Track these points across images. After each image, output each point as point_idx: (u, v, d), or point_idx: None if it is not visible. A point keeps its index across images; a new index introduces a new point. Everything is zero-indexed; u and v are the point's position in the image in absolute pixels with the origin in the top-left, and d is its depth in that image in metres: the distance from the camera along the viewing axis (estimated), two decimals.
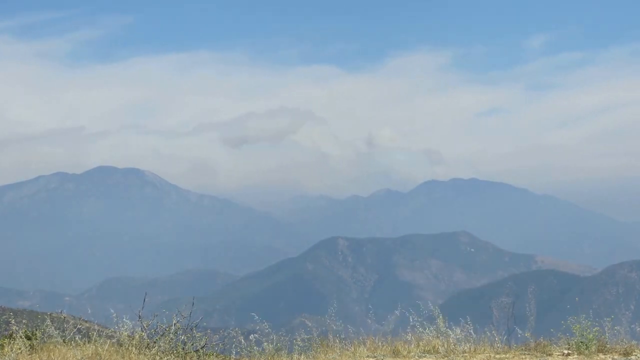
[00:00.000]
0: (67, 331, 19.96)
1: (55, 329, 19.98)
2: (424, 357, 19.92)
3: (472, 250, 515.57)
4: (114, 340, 18.96)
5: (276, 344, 20.15)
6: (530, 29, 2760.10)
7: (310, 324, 21.12)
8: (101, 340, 18.72)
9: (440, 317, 21.25)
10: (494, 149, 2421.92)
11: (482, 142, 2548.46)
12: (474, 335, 21.14)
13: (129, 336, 18.86)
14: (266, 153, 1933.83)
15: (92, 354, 17.95)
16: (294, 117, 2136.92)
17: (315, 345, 20.41)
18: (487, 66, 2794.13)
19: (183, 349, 18.96)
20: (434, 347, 20.58)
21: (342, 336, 21.10)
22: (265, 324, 21.33)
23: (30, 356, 18.12)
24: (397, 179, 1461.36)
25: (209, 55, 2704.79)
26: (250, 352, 20.06)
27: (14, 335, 19.46)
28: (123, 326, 19.22)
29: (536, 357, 19.86)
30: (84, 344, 18.98)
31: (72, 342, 19.37)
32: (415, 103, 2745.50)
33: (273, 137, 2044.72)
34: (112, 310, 20.95)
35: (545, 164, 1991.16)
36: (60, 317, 20.59)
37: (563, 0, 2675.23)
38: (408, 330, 21.48)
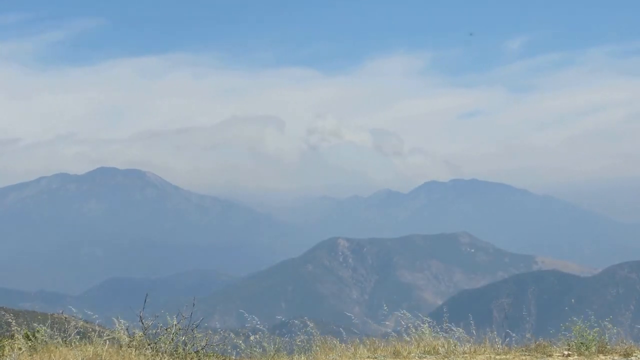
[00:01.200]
0: (68, 332, 19.98)
1: (56, 329, 20.00)
2: (424, 358, 19.94)
3: (472, 250, 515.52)
4: (114, 341, 18.98)
5: (277, 345, 20.17)
6: (508, 31, 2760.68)
7: (310, 325, 21.11)
8: (101, 341, 18.74)
9: (445, 319, 21.29)
10: (473, 150, 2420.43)
11: (462, 144, 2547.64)
12: (475, 336, 21.16)
13: (129, 337, 18.89)
14: (237, 155, 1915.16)
15: (92, 355, 17.97)
16: (266, 119, 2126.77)
17: (315, 345, 20.44)
18: (465, 68, 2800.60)
19: (183, 349, 18.99)
20: (434, 348, 20.59)
21: (343, 337, 21.13)
22: (266, 324, 21.36)
23: (30, 357, 18.14)
24: (365, 181, 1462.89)
25: (182, 58, 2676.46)
26: (250, 352, 20.09)
27: (15, 336, 19.48)
28: (123, 327, 19.25)
29: (536, 357, 19.88)
30: (84, 345, 19.00)
31: (73, 343, 19.39)
32: (392, 105, 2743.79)
33: (241, 141, 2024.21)
34: (99, 314, 20.98)
35: (527, 165, 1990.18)
36: (61, 318, 20.59)
37: (540, 2, 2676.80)
38: (408, 330, 21.49)
